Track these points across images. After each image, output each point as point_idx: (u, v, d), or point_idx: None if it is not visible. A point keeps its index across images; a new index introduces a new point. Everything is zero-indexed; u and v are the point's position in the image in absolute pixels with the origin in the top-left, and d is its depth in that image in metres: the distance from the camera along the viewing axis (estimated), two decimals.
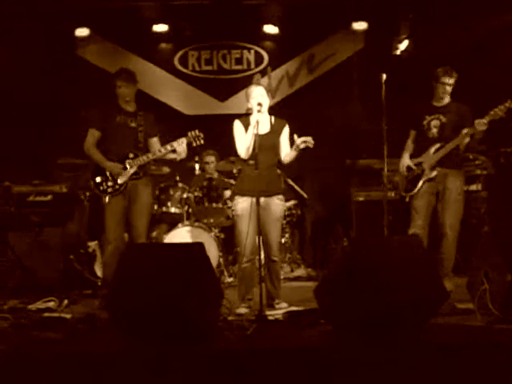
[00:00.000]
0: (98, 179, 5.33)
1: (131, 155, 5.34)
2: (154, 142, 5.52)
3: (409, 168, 5.52)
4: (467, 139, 5.22)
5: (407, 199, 5.49)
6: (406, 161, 5.56)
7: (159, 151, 5.35)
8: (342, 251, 5.27)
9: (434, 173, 5.34)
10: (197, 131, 5.33)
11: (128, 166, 5.32)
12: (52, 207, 6.14)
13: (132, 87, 5.42)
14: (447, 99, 5.43)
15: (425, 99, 5.53)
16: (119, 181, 5.30)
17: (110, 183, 5.31)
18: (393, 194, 6.30)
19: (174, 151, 5.33)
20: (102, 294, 5.20)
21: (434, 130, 5.39)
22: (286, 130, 5.12)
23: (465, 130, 5.19)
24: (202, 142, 5.34)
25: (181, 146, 5.28)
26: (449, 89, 5.37)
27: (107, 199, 5.32)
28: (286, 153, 5.07)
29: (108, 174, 5.33)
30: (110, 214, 5.33)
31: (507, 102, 4.99)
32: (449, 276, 5.20)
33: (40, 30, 7.51)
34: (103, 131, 5.41)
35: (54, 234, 6.28)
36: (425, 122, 5.44)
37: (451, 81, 5.34)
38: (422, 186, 5.39)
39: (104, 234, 5.48)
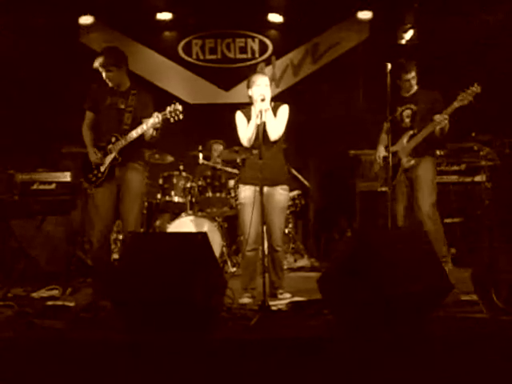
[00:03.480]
0: (85, 168, 5.08)
1: (113, 139, 5.00)
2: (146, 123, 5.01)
3: (385, 158, 5.52)
4: (440, 125, 5.24)
5: (389, 190, 5.45)
6: (381, 152, 5.61)
7: (135, 132, 4.92)
8: (346, 242, 5.27)
9: (412, 162, 5.40)
10: (176, 104, 4.84)
11: (109, 152, 5.00)
12: (56, 196, 6.13)
13: (115, 71, 5.01)
14: (415, 88, 5.52)
15: (396, 91, 5.56)
16: (101, 169, 5.00)
17: (94, 171, 5.03)
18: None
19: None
20: (96, 286, 5.05)
21: (407, 120, 5.49)
22: (284, 108, 5.02)
23: (436, 117, 5.24)
24: (181, 116, 4.81)
25: (155, 120, 4.82)
26: (413, 82, 5.46)
27: (90, 190, 5.08)
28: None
29: (92, 161, 5.05)
30: (94, 206, 5.06)
31: (474, 85, 5.04)
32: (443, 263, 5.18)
33: (44, 17, 7.49)
34: (96, 113, 5.13)
35: (57, 223, 6.30)
36: (397, 114, 5.51)
37: (411, 74, 5.42)
38: (400, 176, 5.47)
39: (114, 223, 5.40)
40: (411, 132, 5.40)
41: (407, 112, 5.46)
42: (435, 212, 5.38)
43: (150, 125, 4.88)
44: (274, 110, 5.02)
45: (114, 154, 4.97)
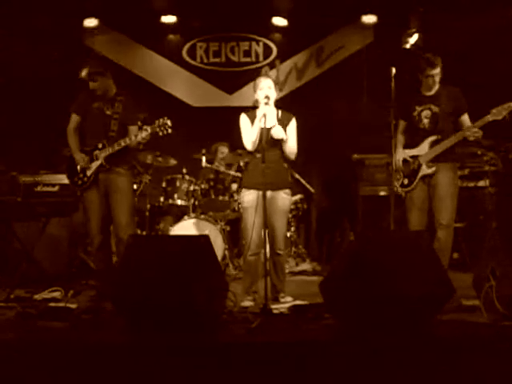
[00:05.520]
0: (71, 171, 5.19)
1: (100, 145, 5.07)
2: (132, 130, 5.15)
3: (405, 161, 5.28)
4: (469, 138, 5.00)
5: (403, 195, 5.26)
6: (401, 154, 5.31)
7: (124, 141, 5.00)
8: (348, 246, 5.24)
9: (433, 168, 5.10)
10: (165, 118, 4.92)
11: (95, 158, 5.08)
12: (59, 198, 6.13)
13: (100, 79, 5.12)
14: (437, 86, 5.19)
15: (416, 88, 5.29)
16: (87, 173, 5.09)
17: (80, 175, 5.12)
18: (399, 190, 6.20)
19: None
20: (97, 286, 5.16)
21: (426, 121, 5.17)
22: (293, 124, 5.07)
23: (466, 129, 5.00)
24: (170, 130, 4.90)
25: (145, 134, 4.95)
26: (437, 79, 5.13)
27: (79, 193, 5.18)
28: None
29: (78, 165, 5.14)
30: (86, 208, 5.16)
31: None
32: None
33: (49, 20, 7.51)
34: (82, 117, 5.21)
35: (60, 225, 6.32)
36: (415, 113, 5.22)
37: (437, 70, 5.09)
38: (418, 182, 5.18)
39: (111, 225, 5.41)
40: (434, 137, 5.12)
41: (426, 112, 5.16)
42: (452, 224, 5.08)
43: (139, 138, 4.98)
44: (282, 121, 5.03)
45: (100, 160, 5.05)
